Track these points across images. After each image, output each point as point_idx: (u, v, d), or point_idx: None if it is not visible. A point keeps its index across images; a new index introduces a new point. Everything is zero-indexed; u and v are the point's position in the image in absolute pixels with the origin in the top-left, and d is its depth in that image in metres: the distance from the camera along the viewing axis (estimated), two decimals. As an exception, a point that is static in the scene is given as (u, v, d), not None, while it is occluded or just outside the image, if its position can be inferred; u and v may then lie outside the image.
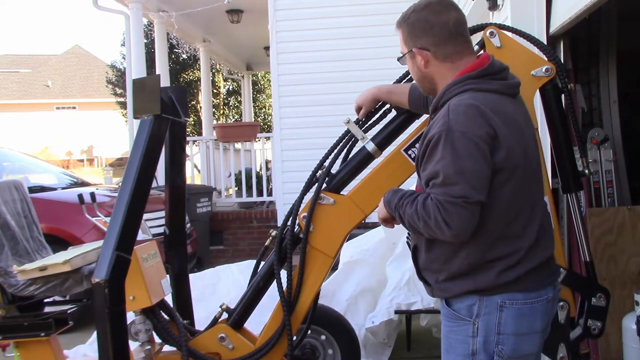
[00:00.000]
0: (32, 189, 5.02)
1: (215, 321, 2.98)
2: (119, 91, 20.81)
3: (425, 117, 2.57)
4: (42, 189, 5.97)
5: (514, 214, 1.81)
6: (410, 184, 4.50)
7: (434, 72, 1.92)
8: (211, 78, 15.80)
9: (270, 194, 8.62)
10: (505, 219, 1.81)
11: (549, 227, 1.96)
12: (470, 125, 1.74)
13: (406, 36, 1.95)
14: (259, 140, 10.08)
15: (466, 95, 1.81)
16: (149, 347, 2.86)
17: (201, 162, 9.24)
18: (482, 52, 2.40)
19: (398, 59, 2.05)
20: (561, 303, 2.35)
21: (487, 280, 1.83)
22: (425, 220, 1.77)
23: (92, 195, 4.67)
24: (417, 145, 2.52)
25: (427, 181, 1.81)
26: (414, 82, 2.24)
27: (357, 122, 2.64)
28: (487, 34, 2.42)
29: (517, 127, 1.81)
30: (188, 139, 8.13)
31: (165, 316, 2.91)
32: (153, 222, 5.77)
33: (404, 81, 2.64)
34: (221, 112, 21.69)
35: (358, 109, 2.64)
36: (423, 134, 1.91)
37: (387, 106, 2.65)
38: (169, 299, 3.07)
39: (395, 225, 2.04)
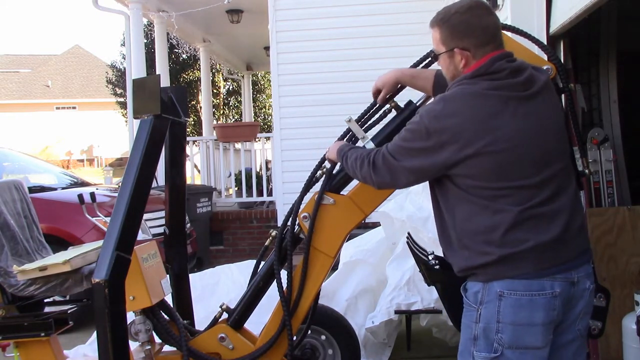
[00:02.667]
0: (32, 189, 5.02)
1: (215, 321, 2.98)
2: (119, 91, 20.79)
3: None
4: (42, 189, 5.96)
5: (490, 195, 1.94)
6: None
7: (467, 72, 2.05)
8: (211, 78, 15.80)
9: (270, 194, 8.61)
10: (481, 198, 1.94)
11: (551, 210, 1.96)
12: (429, 114, 1.99)
13: (446, 36, 2.06)
14: (259, 140, 10.08)
15: (454, 90, 2.01)
16: (149, 347, 2.85)
17: (201, 162, 9.24)
18: None
19: (433, 56, 2.19)
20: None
21: (478, 255, 1.94)
22: (362, 161, 2.16)
23: (92, 195, 4.65)
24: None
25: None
26: (438, 68, 2.41)
27: (358, 120, 2.64)
28: (487, 33, 2.42)
29: (487, 125, 1.92)
30: (188, 139, 8.13)
31: (165, 316, 2.91)
32: (153, 222, 5.77)
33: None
34: (221, 112, 21.68)
35: (377, 92, 2.60)
36: None
37: (387, 106, 2.65)
38: (169, 299, 3.07)
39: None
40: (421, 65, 2.64)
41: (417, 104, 2.60)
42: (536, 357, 1.94)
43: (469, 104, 1.95)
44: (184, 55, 18.33)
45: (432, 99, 2.08)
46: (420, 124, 1.99)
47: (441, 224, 2.11)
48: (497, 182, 1.93)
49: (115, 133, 30.35)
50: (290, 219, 2.74)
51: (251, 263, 3.32)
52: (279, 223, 5.72)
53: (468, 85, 1.98)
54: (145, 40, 10.40)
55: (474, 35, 2.01)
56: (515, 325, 1.91)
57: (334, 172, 2.67)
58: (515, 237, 1.91)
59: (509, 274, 1.91)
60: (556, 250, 1.93)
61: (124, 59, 14.42)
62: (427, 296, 4.01)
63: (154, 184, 5.61)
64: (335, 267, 4.38)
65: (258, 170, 10.10)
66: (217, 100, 20.71)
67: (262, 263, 2.91)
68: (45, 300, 3.31)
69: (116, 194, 2.72)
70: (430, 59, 2.60)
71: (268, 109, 21.76)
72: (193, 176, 9.92)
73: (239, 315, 2.91)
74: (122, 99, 19.94)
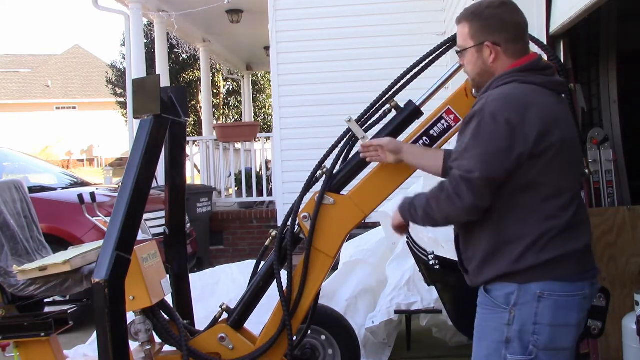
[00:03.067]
0: (32, 189, 5.02)
1: (215, 321, 2.98)
2: (119, 91, 20.79)
3: (424, 118, 2.57)
4: (42, 189, 5.96)
5: (543, 195, 1.90)
6: (411, 183, 4.52)
7: (497, 68, 2.03)
8: (211, 78, 15.80)
9: (270, 194, 8.62)
10: (536, 198, 1.90)
11: (582, 219, 1.99)
12: (501, 109, 1.88)
13: (476, 30, 2.04)
14: (259, 140, 10.08)
15: (510, 85, 1.95)
16: (149, 347, 2.85)
17: (201, 162, 9.24)
18: None
19: (459, 51, 2.14)
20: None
21: (521, 260, 1.89)
22: (438, 197, 1.94)
23: (92, 195, 4.65)
24: (417, 146, 2.52)
25: (455, 156, 1.98)
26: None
27: (358, 120, 2.64)
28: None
29: (553, 119, 1.90)
30: (188, 139, 8.13)
31: (165, 316, 2.91)
32: (153, 222, 5.77)
33: (403, 80, 2.63)
34: (221, 112, 21.67)
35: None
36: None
37: (387, 106, 2.64)
38: (169, 299, 3.07)
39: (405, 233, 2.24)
40: (431, 57, 2.63)
41: (417, 104, 2.60)
42: (566, 358, 1.95)
43: (535, 95, 1.93)
44: (184, 55, 18.33)
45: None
46: (495, 124, 1.86)
47: (471, 232, 2.01)
48: (556, 179, 1.90)
49: (115, 133, 30.34)
50: (290, 219, 2.74)
51: (251, 263, 3.32)
52: (279, 223, 5.73)
53: (525, 78, 1.96)
54: (145, 40, 10.40)
55: (507, 30, 2.01)
56: (553, 327, 1.89)
57: (334, 172, 2.67)
58: (557, 243, 1.90)
59: (548, 276, 1.90)
60: (586, 254, 1.98)
61: (124, 59, 14.43)
62: (427, 296, 4.01)
63: (154, 184, 5.61)
64: (335, 267, 4.38)
65: (258, 170, 10.10)
66: (217, 100, 20.70)
67: (262, 263, 2.91)
68: (45, 300, 3.31)
69: (116, 194, 2.72)
70: (440, 51, 2.60)
71: (268, 109, 21.76)
72: (193, 176, 9.93)
73: (239, 315, 2.91)
74: (122, 99, 19.94)
